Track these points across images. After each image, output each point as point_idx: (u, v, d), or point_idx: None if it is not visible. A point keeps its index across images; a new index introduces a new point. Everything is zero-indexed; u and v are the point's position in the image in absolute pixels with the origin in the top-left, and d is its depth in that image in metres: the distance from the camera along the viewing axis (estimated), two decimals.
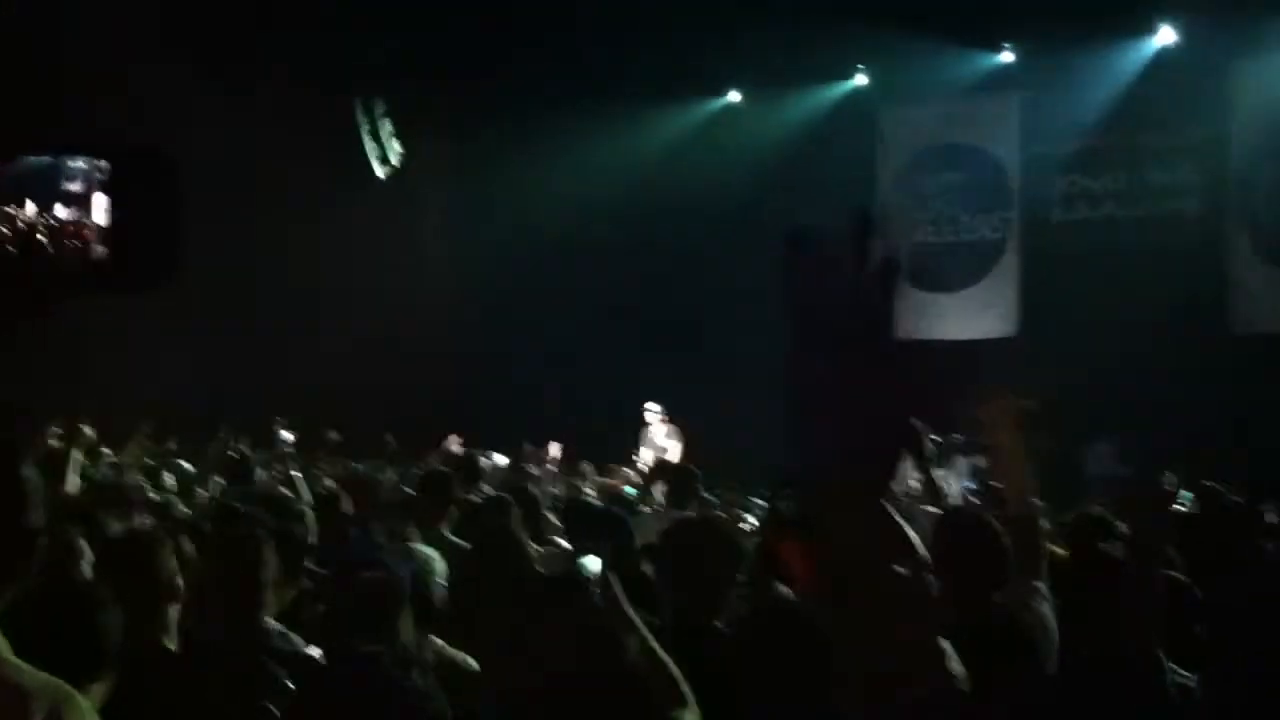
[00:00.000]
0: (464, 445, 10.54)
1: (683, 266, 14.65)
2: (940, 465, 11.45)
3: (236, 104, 12.60)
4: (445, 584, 4.04)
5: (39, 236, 12.76)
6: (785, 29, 13.19)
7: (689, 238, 14.56)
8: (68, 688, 2.06)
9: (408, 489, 6.64)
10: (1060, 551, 4.64)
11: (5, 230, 12.53)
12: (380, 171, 15.46)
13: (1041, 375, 12.69)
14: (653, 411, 12.65)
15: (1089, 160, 13.83)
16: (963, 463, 12.29)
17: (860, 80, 14.94)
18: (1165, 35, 13.16)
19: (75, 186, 13.14)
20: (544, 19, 13.25)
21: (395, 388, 13.60)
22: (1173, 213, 13.35)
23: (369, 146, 15.24)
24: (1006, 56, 14.07)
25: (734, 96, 15.63)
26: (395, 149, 15.54)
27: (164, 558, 3.44)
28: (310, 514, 5.42)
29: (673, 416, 12.58)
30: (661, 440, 12.53)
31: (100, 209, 13.06)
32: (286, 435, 10.39)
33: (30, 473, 2.21)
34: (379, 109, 15.29)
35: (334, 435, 11.12)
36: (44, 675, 2.06)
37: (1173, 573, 3.99)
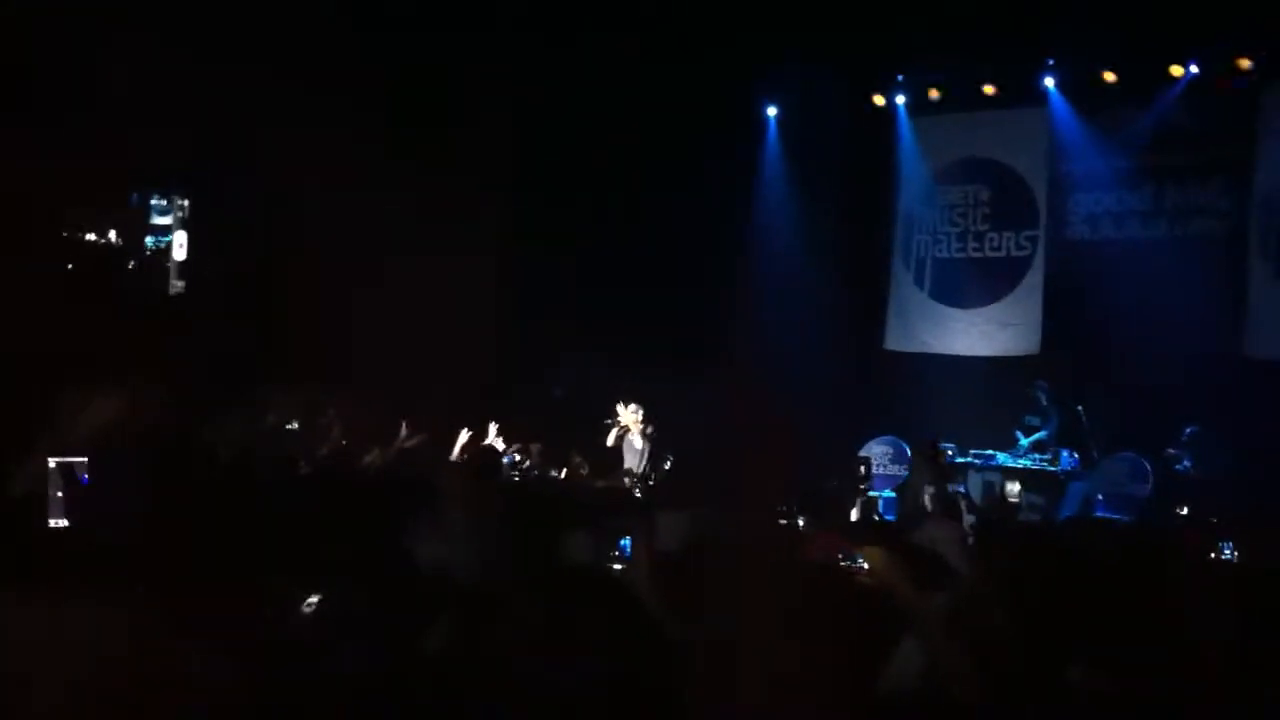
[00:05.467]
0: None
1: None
2: (956, 480, 11.69)
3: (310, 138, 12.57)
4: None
5: (129, 265, 13.06)
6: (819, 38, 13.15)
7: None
8: None
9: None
10: None
11: (86, 256, 12.74)
12: None
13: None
14: (631, 412, 12.44)
15: (1115, 179, 13.79)
16: (975, 478, 12.55)
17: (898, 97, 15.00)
18: (1194, 67, 13.09)
19: (162, 220, 13.44)
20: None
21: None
22: (1197, 234, 13.28)
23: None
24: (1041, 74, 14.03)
25: (771, 110, 15.64)
26: None
27: None
28: None
29: (649, 419, 12.46)
30: (639, 442, 12.27)
31: (179, 244, 13.34)
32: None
33: None
34: None
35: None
36: None
37: None
